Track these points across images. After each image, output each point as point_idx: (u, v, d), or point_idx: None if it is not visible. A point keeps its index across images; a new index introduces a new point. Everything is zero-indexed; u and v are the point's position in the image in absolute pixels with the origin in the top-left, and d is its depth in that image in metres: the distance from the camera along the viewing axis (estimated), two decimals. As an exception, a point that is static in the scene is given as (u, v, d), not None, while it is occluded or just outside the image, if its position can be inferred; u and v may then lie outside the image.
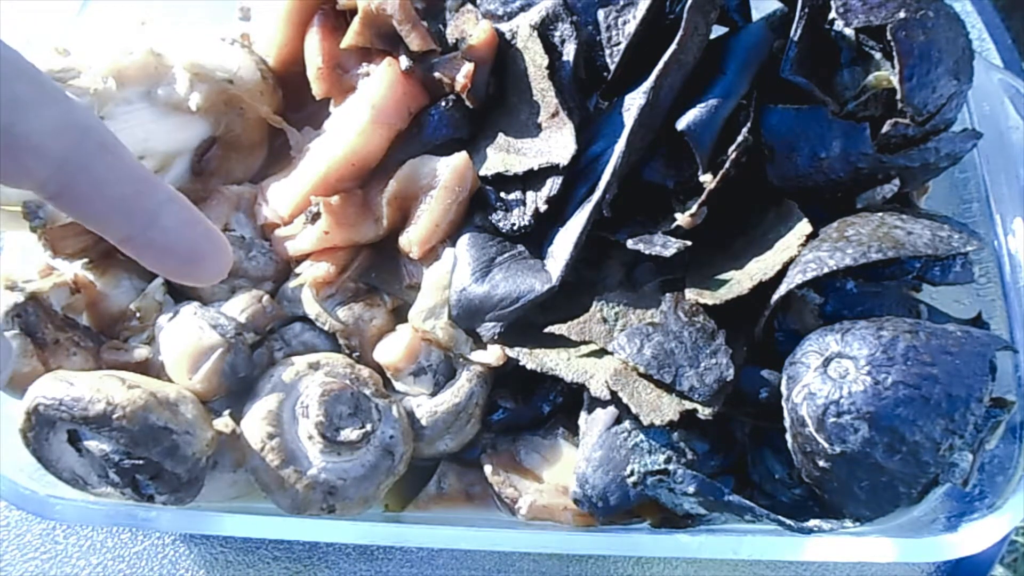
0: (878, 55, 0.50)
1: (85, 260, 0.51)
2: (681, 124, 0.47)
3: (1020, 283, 0.51)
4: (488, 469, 0.50)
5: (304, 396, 0.45)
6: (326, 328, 0.49)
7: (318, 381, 0.46)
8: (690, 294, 0.47)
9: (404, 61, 0.50)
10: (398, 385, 0.50)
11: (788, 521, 0.46)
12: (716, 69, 0.48)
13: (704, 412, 0.46)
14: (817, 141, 0.48)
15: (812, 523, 0.46)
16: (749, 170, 0.49)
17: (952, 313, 0.51)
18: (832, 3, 0.47)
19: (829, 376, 0.44)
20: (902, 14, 0.47)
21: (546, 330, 0.48)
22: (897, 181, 0.50)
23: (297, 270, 0.50)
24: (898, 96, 0.47)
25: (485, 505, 0.50)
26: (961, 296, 0.53)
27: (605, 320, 0.48)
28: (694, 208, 0.47)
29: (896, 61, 0.46)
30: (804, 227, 0.47)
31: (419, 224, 0.48)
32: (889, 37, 0.46)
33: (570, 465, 0.49)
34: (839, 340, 0.44)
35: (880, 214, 0.48)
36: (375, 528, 0.47)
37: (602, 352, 0.48)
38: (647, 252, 0.47)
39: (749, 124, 0.47)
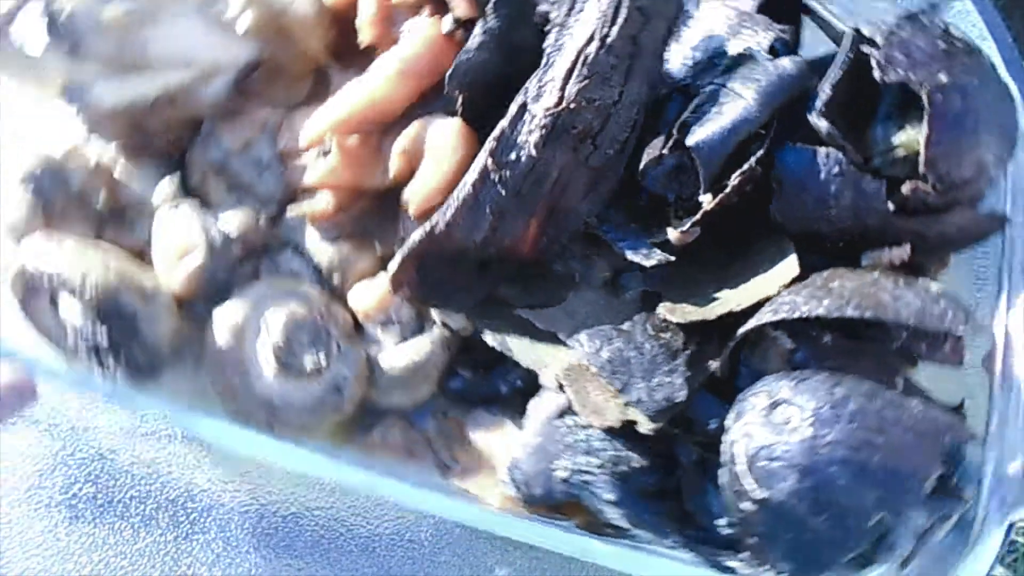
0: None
1: (118, 143, 0.54)
2: (691, 140, 0.47)
3: (1014, 374, 0.48)
4: (432, 432, 0.51)
5: (271, 316, 0.47)
6: (314, 259, 0.51)
7: (289, 305, 0.48)
8: (660, 309, 0.47)
9: (447, 23, 0.51)
10: (368, 332, 0.51)
11: (707, 553, 0.46)
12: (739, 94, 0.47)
13: (645, 426, 0.46)
14: (825, 187, 0.47)
15: (732, 563, 0.46)
16: (754, 201, 0.48)
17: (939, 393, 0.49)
18: (874, 51, 0.46)
19: (771, 420, 0.43)
20: (943, 77, 0.45)
21: (516, 311, 0.49)
22: (908, 247, 0.48)
23: (299, 201, 0.52)
24: (920, 160, 0.45)
25: (422, 465, 0.51)
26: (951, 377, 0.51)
27: (575, 315, 0.49)
28: (686, 226, 0.47)
29: (926, 124, 0.45)
30: (789, 269, 0.46)
31: (417, 182, 0.49)
32: (924, 98, 0.45)
33: (510, 447, 0.49)
34: (791, 387, 0.43)
35: (877, 274, 0.47)
36: (320, 460, 0.48)
37: (563, 344, 0.48)
38: (629, 258, 0.48)
39: (759, 155, 0.46)
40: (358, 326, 0.51)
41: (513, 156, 0.46)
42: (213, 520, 0.58)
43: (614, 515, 0.47)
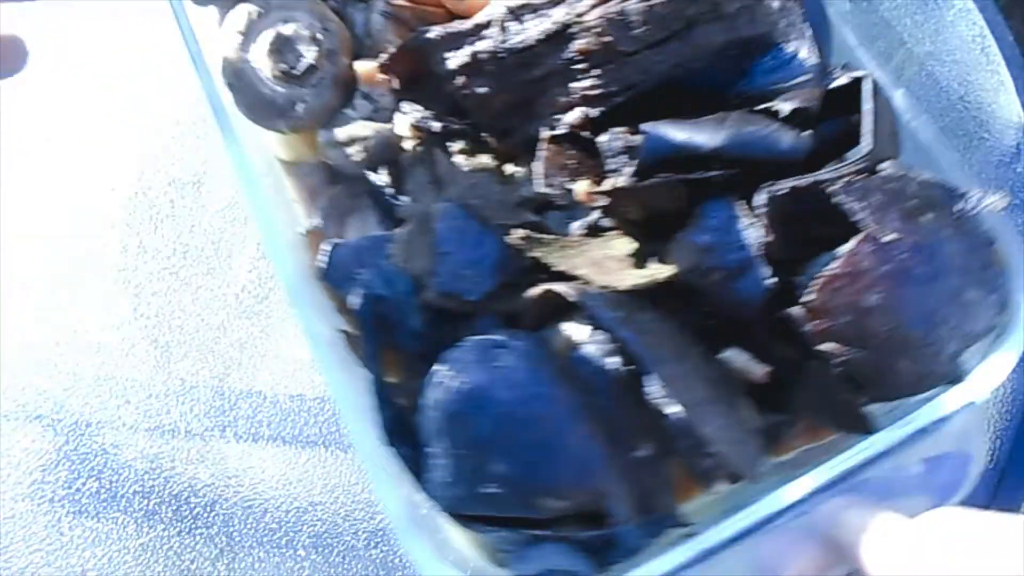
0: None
1: None
2: (645, 125, 0.47)
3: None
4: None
5: (297, 18, 0.55)
6: (367, 20, 0.58)
7: (316, 26, 0.56)
8: (519, 230, 0.49)
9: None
10: (353, 97, 0.58)
11: (389, 425, 0.48)
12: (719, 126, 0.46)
13: (428, 294, 0.49)
14: (724, 252, 0.45)
15: (402, 449, 0.48)
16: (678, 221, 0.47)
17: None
18: (861, 177, 0.43)
19: (487, 354, 0.44)
20: (889, 236, 0.41)
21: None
22: (767, 372, 0.46)
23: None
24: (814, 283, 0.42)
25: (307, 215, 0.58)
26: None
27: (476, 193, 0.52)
28: (597, 190, 0.48)
29: (838, 261, 0.42)
30: (641, 277, 0.45)
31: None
32: (855, 237, 0.42)
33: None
34: (526, 344, 0.44)
35: (701, 360, 0.45)
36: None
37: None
38: (534, 182, 0.50)
39: (691, 177, 0.45)
40: (351, 88, 0.58)
41: (515, 29, 0.49)
42: (216, 515, 0.58)
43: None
